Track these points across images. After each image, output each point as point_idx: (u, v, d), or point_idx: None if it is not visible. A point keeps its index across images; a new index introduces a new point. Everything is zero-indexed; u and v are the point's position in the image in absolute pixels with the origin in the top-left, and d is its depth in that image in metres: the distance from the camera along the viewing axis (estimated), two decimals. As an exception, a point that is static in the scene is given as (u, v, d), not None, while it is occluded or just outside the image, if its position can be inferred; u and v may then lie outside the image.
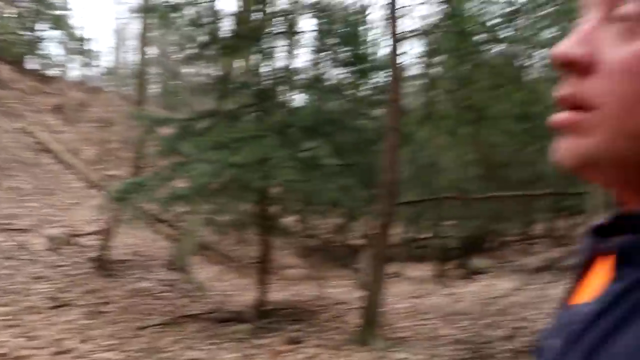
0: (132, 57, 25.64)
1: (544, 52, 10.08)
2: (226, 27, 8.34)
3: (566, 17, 7.24)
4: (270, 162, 8.00)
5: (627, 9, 0.46)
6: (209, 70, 10.10)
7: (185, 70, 21.00)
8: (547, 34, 9.55)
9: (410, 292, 11.69)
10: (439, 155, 16.43)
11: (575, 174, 0.52)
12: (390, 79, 7.02)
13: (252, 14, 8.36)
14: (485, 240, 17.15)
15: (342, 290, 11.57)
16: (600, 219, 0.57)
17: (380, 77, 9.73)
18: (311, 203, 11.58)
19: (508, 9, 8.46)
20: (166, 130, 10.61)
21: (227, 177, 8.84)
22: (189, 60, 8.84)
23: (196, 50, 8.27)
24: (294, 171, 9.12)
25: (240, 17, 8.26)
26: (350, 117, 9.86)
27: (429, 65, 12.77)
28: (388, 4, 6.71)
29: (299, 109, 9.91)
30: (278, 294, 11.23)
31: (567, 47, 0.49)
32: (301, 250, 17.56)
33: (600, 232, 0.56)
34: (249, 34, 8.04)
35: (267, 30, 8.46)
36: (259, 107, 8.57)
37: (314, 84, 9.41)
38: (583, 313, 0.49)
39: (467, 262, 15.60)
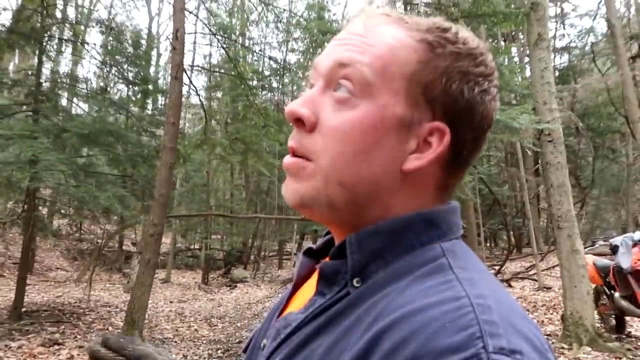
0: None
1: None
2: (1, 19, 7.40)
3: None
4: (41, 164, 7.28)
5: (342, 82, 0.53)
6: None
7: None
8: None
9: (177, 296, 11.50)
10: (211, 177, 16.65)
11: (297, 209, 0.56)
12: (170, 103, 7.03)
13: (35, 15, 7.57)
14: (246, 253, 17.75)
15: (111, 294, 10.88)
16: (310, 243, 0.66)
17: (162, 100, 9.61)
18: (84, 208, 10.76)
19: (277, 66, 9.17)
20: None
21: (-11, 172, 7.76)
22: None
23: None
24: (66, 175, 8.43)
25: (20, 14, 7.42)
26: (131, 131, 9.53)
27: (208, 98, 13.05)
28: (174, 36, 6.76)
29: (78, 116, 9.20)
30: (40, 295, 10.06)
31: (296, 105, 0.54)
32: (70, 253, 16.02)
33: (312, 253, 0.65)
34: (29, 33, 7.27)
35: (50, 33, 7.74)
36: (34, 107, 7.75)
37: (97, 95, 8.87)
38: (293, 319, 0.53)
39: (230, 272, 15.90)
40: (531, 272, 12.00)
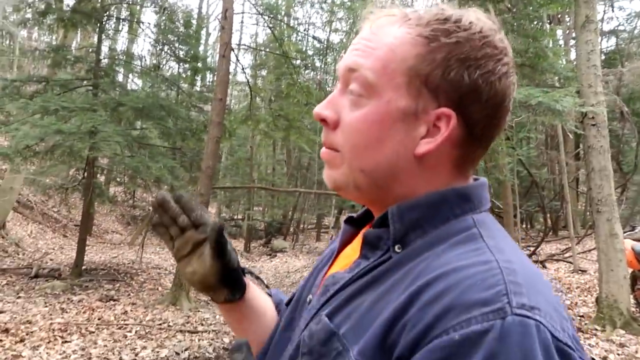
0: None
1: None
2: (67, 0, 7.63)
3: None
4: (99, 135, 7.58)
5: (351, 87, 0.60)
6: (45, 38, 9.11)
7: (21, 32, 18.39)
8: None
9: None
10: (254, 151, 16.87)
11: (335, 191, 0.64)
12: (218, 80, 7.14)
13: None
14: (286, 225, 18.00)
15: (161, 257, 11.34)
16: (353, 213, 0.74)
17: (211, 77, 9.74)
18: (137, 177, 11.17)
19: (321, 45, 9.11)
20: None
21: (53, 142, 8.14)
22: (25, 24, 7.88)
23: (34, 16, 7.42)
24: (122, 146, 8.75)
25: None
26: (182, 106, 9.75)
27: (253, 76, 13.13)
28: (223, 16, 6.83)
29: (133, 91, 9.48)
30: (98, 255, 10.60)
31: (320, 108, 0.62)
32: (124, 218, 16.70)
33: (353, 221, 0.72)
34: (90, 12, 7.49)
35: (109, 13, 7.95)
36: (94, 82, 8.03)
37: (151, 72, 9.09)
38: (341, 278, 0.60)
39: (270, 242, 16.17)
40: (567, 255, 11.69)
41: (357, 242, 0.66)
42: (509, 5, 6.18)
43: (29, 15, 7.40)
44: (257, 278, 0.83)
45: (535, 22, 6.32)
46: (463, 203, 0.58)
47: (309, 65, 9.33)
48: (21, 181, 10.51)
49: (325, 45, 9.01)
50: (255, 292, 0.81)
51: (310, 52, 9.55)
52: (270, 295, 0.85)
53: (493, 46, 0.57)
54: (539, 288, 0.48)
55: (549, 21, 10.89)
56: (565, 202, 11.06)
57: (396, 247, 0.57)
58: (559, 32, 14.60)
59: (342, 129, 0.60)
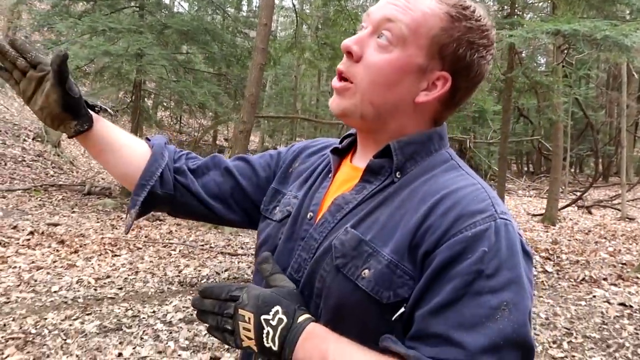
0: None
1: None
2: None
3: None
4: (146, 58, 7.59)
5: (384, 33, 0.71)
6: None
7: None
8: None
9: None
10: (299, 81, 16.62)
11: (339, 118, 0.77)
12: (263, 3, 6.89)
13: None
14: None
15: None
16: (337, 143, 0.86)
17: (257, 2, 9.43)
18: (182, 102, 11.28)
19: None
20: (42, 5, 9.40)
21: (102, 64, 8.24)
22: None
23: None
24: (167, 70, 8.77)
25: None
26: (227, 31, 9.56)
27: (300, 2, 12.64)
28: None
29: (179, 14, 9.34)
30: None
31: (350, 42, 0.73)
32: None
33: (337, 151, 0.85)
34: None
35: None
36: (140, 3, 7.93)
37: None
38: (351, 198, 0.74)
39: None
40: (615, 202, 11.25)
41: (347, 168, 0.82)
42: None
43: None
44: (103, 109, 0.88)
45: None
46: (440, 141, 0.77)
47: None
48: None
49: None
50: (108, 127, 0.87)
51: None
52: (149, 139, 0.92)
53: (489, 39, 0.74)
54: (501, 201, 0.70)
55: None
56: (621, 146, 10.45)
57: (397, 174, 0.73)
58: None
59: (365, 65, 0.72)
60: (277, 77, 16.79)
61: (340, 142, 0.86)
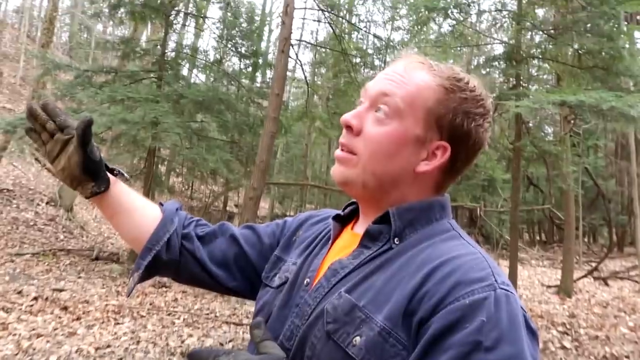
0: (44, 1, 23.02)
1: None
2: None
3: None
4: (161, 126, 7.79)
5: (381, 107, 0.74)
6: (116, 30, 9.48)
7: (94, 24, 19.36)
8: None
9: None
10: (309, 149, 16.89)
11: (339, 186, 0.79)
12: (276, 75, 7.14)
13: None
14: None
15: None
16: (340, 211, 0.87)
17: (270, 74, 9.79)
18: (195, 168, 11.46)
19: (380, 44, 8.95)
20: (66, 76, 9.83)
21: (119, 131, 8.46)
22: (98, 16, 8.22)
23: (106, 9, 7.72)
24: (182, 137, 8.97)
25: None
26: (241, 101, 9.86)
27: (312, 73, 13.11)
28: (284, 11, 6.81)
29: (195, 84, 9.69)
30: (152, 242, 10.94)
31: (349, 117, 0.76)
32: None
33: (339, 219, 0.86)
34: (158, 7, 7.70)
35: (176, 8, 8.15)
36: (158, 74, 8.26)
37: (213, 66, 9.25)
38: (348, 263, 0.74)
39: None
40: (632, 273, 10.89)
41: (347, 235, 0.82)
42: (583, 3, 5.75)
43: (102, 8, 7.69)
44: (120, 174, 0.91)
45: (611, 22, 5.85)
46: (442, 210, 0.77)
47: (368, 63, 9.18)
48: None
49: (385, 44, 8.82)
50: (124, 190, 0.91)
51: (370, 51, 9.39)
52: (162, 204, 0.96)
53: (485, 107, 0.76)
54: (503, 272, 0.67)
55: (626, 22, 10.12)
56: (635, 216, 10.27)
57: (395, 240, 0.73)
58: (638, 33, 13.59)
59: (365, 138, 0.74)
60: (288, 144, 17.10)
61: (343, 210, 0.87)
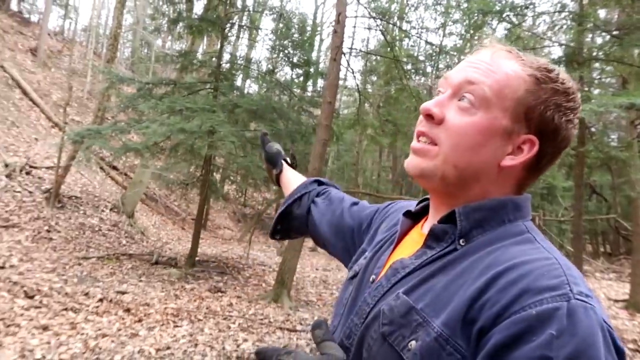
0: (109, 19, 24.35)
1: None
2: (195, 9, 8.18)
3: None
4: (217, 134, 8.02)
5: (467, 96, 0.70)
6: (175, 44, 9.89)
7: (154, 39, 20.26)
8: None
9: (322, 265, 11.99)
10: (361, 157, 16.84)
11: (414, 179, 0.75)
12: (328, 83, 7.19)
13: (220, 3, 8.24)
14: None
15: (266, 255, 11.74)
16: (412, 207, 0.85)
17: (322, 83, 9.88)
18: (248, 176, 11.69)
19: (432, 50, 8.82)
20: (129, 89, 10.33)
21: (177, 140, 8.79)
22: (158, 31, 8.61)
23: (165, 24, 8.07)
24: (236, 146, 9.19)
25: (209, 4, 8.14)
26: (293, 110, 10.00)
27: (363, 81, 13.09)
28: (336, 20, 6.86)
29: (249, 94, 9.91)
30: (209, 248, 11.26)
31: (430, 105, 0.73)
32: (235, 215, 17.63)
33: (409, 215, 0.84)
34: (215, 20, 7.96)
35: (232, 20, 8.40)
36: (214, 85, 8.52)
37: (266, 76, 9.45)
38: (409, 263, 0.71)
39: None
40: None
41: (416, 233, 0.80)
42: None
43: (162, 23, 8.05)
44: (291, 160, 1.31)
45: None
46: (516, 211, 0.71)
47: (420, 70, 9.07)
48: (149, 175, 11.52)
49: (437, 50, 8.69)
50: (290, 172, 1.26)
51: (421, 57, 9.28)
52: (318, 181, 1.20)
53: (576, 101, 0.71)
54: (584, 281, 0.60)
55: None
56: None
57: (460, 241, 0.69)
58: None
59: (447, 128, 0.70)
60: (340, 152, 17.14)
61: (417, 205, 0.84)
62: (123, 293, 6.22)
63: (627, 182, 8.77)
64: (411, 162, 0.73)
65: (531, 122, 0.69)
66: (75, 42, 20.74)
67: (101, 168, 12.96)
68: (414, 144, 0.74)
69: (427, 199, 0.81)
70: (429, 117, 0.72)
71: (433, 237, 0.72)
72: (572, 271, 0.60)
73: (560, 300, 0.54)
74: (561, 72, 0.72)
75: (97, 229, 10.01)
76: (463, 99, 0.70)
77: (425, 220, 0.80)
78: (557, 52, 7.49)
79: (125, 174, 13.71)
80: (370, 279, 0.76)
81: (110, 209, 11.40)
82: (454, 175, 0.70)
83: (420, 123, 0.74)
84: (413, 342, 0.61)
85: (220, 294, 6.93)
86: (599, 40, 7.94)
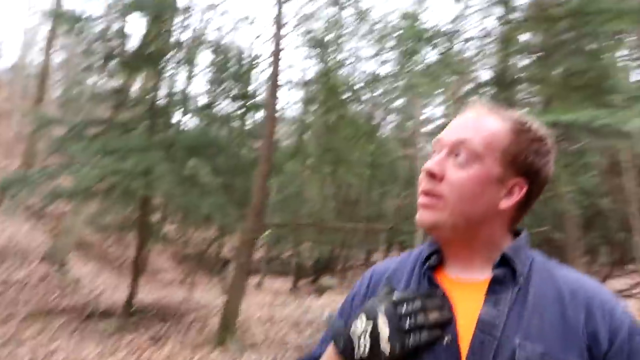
0: (38, 57, 23.16)
1: (393, 116, 11.05)
2: (129, 45, 7.88)
3: (410, 91, 8.02)
4: (153, 174, 7.65)
5: (461, 153, 0.81)
6: (108, 82, 9.48)
7: (86, 77, 19.49)
8: (396, 102, 10.54)
9: (268, 302, 11.60)
10: (303, 187, 16.77)
11: (427, 232, 0.85)
12: (267, 115, 7.11)
13: (154, 39, 8.02)
14: (334, 262, 17.62)
15: (209, 297, 11.19)
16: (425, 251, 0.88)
17: (261, 114, 9.81)
18: (188, 215, 11.24)
19: (368, 79, 9.03)
20: (59, 131, 9.73)
21: (111, 182, 8.29)
22: (91, 69, 8.22)
23: (98, 62, 7.72)
24: (174, 185, 8.80)
25: (144, 40, 7.89)
26: (232, 144, 9.79)
27: (303, 112, 13.16)
28: (275, 51, 6.84)
29: (186, 130, 9.63)
30: (149, 294, 10.57)
31: (431, 165, 0.82)
32: (176, 256, 16.84)
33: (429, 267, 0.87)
34: (149, 56, 7.71)
35: (167, 55, 8.17)
36: (150, 122, 8.20)
37: (204, 110, 9.24)
38: (495, 315, 0.75)
39: (318, 280, 15.83)
40: (635, 291, 10.72)
41: (448, 283, 0.83)
42: (567, 25, 5.83)
43: (94, 61, 7.69)
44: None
45: (596, 41, 5.92)
46: (528, 245, 0.85)
47: (357, 98, 9.23)
48: (82, 221, 10.78)
49: (373, 78, 8.90)
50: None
51: (358, 86, 9.45)
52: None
53: (550, 146, 0.85)
54: None
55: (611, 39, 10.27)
56: (632, 233, 10.18)
57: (521, 279, 0.78)
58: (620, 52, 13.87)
59: (450, 182, 0.80)
60: (283, 184, 16.97)
61: (425, 260, 0.87)
62: (53, 352, 5.64)
63: (555, 195, 9.23)
64: (422, 216, 0.83)
65: (518, 168, 0.82)
66: (1, 83, 19.53)
67: (28, 216, 12.02)
68: (421, 199, 0.83)
69: (433, 251, 0.88)
70: (432, 175, 0.82)
71: (497, 282, 0.79)
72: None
73: (618, 302, 0.77)
74: (533, 122, 0.85)
75: (23, 282, 9.16)
76: (458, 156, 0.81)
77: (440, 269, 0.86)
78: (486, 75, 7.87)
79: (51, 220, 12.75)
80: (445, 342, 0.76)
81: (40, 260, 10.52)
82: (463, 223, 0.81)
83: (422, 182, 0.83)
84: None
85: (161, 342, 6.47)
86: (524, 62, 8.43)
